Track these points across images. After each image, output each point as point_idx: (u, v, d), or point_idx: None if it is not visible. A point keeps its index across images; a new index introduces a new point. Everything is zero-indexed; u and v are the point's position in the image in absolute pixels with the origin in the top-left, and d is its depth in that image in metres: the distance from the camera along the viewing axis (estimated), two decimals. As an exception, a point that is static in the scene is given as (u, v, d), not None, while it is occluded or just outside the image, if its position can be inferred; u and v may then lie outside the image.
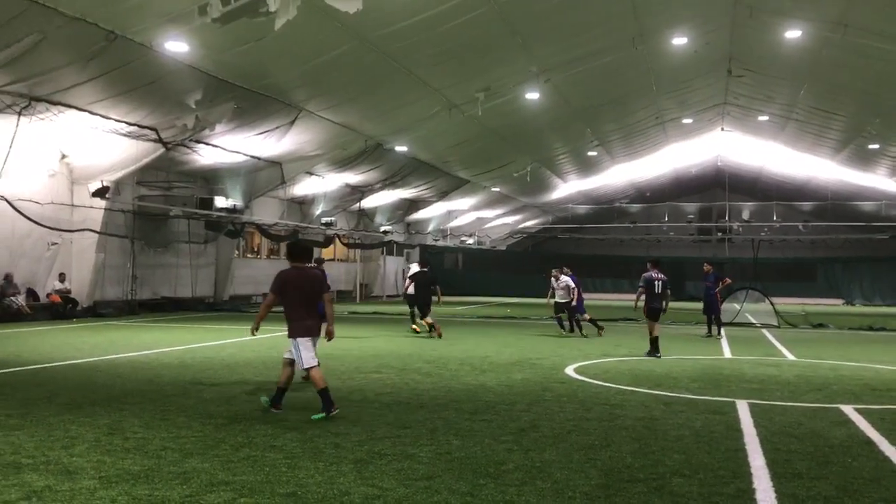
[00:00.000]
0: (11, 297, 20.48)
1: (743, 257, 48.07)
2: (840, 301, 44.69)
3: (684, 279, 46.40)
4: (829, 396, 10.17)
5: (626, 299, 45.61)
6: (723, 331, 20.03)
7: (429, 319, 18.28)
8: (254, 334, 9.17)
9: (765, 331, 21.57)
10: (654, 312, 14.63)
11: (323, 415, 8.03)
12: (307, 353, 8.29)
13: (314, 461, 6.29)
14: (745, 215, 55.39)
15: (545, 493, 5.52)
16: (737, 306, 25.20)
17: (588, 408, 9.01)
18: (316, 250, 25.42)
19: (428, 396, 9.60)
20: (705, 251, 52.92)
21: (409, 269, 23.47)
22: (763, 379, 11.80)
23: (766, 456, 6.75)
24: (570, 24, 20.77)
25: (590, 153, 39.02)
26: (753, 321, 24.54)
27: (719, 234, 55.72)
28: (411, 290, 19.54)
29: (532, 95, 25.73)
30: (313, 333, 8.48)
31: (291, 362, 8.48)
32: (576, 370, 12.44)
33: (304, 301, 8.41)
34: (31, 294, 21.54)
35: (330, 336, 8.61)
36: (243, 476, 5.82)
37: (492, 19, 18.87)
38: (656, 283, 14.67)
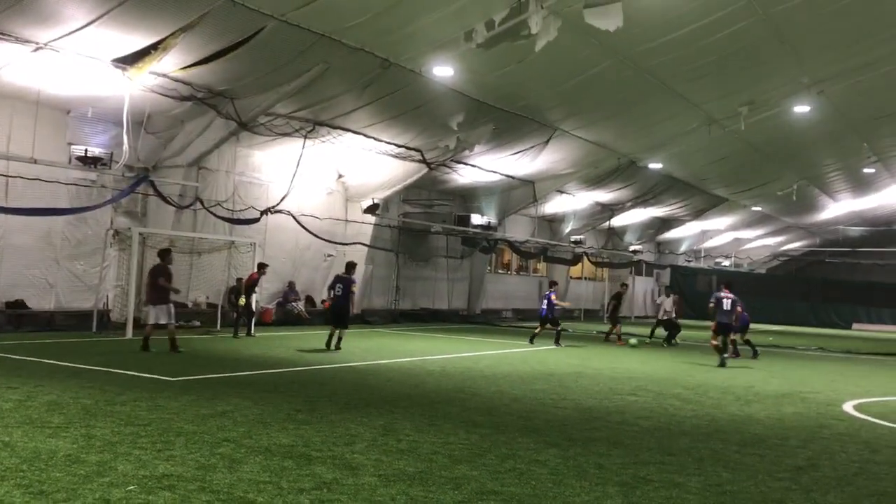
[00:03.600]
0: (293, 303, 22.67)
1: None
2: None
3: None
4: None
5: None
6: None
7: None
8: None
9: None
10: (721, 327, 16.96)
11: None
12: None
13: (579, 480, 6.28)
14: None
15: (834, 540, 5.09)
16: None
17: (875, 450, 8.17)
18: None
19: (690, 424, 9.24)
20: None
21: (661, 299, 24.30)
22: None
23: None
24: (847, 31, 19.10)
25: (866, 170, 35.52)
26: None
27: None
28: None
29: (801, 108, 23.97)
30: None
31: None
32: (855, 408, 11.35)
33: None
34: (309, 300, 23.69)
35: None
36: (511, 488, 5.95)
37: (759, 30, 17.86)
38: (724, 301, 16.92)
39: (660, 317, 23.43)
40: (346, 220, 23.80)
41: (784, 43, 19.02)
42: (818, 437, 8.77)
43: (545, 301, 20.43)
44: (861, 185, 39.12)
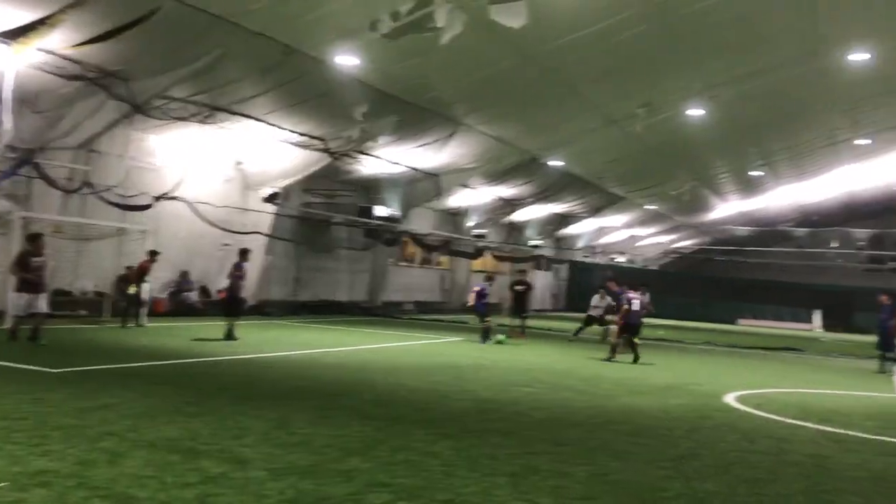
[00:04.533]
0: (186, 293, 22.00)
1: (922, 290, 44.32)
2: None
3: (853, 310, 43.34)
4: None
5: (788, 328, 43.24)
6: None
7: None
8: None
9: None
10: (629, 328, 16.65)
11: None
12: None
13: (470, 471, 6.34)
14: (925, 244, 51.01)
15: (710, 525, 5.31)
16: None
17: (752, 440, 8.58)
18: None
19: (583, 415, 9.47)
20: (876, 281, 49.21)
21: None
22: (949, 423, 10.82)
23: (958, 508, 6.19)
24: (740, 38, 19.95)
25: (753, 173, 37.31)
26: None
27: (893, 263, 51.64)
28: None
29: (696, 112, 24.94)
30: None
31: None
32: (736, 399, 11.89)
33: None
34: (204, 291, 23.04)
35: None
36: (402, 479, 5.95)
37: (658, 34, 18.44)
38: (634, 301, 16.79)
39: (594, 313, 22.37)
40: (245, 209, 23.24)
41: (680, 49, 19.71)
42: (701, 428, 9.14)
43: (477, 295, 19.70)
44: (748, 188, 41.04)
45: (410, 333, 20.85)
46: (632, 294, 17.10)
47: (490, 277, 21.60)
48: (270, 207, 23.55)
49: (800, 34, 20.15)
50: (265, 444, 6.81)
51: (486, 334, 19.08)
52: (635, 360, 16.30)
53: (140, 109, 17.11)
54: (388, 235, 28.96)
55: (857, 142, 33.55)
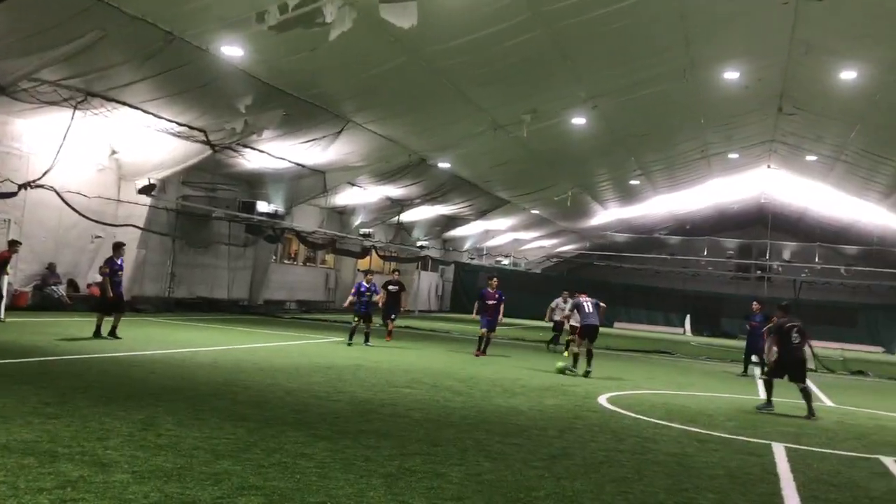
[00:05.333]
0: (53, 287, 20.84)
1: (781, 297, 47.20)
2: (880, 349, 43.68)
3: (721, 315, 45.70)
4: (869, 446, 9.91)
5: (661, 331, 45.17)
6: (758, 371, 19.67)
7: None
8: None
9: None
10: (588, 330, 15.99)
11: None
12: None
13: (344, 472, 6.27)
14: (787, 255, 54.47)
15: (577, 524, 5.44)
16: (775, 347, 24.72)
17: (621, 439, 8.89)
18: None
19: (458, 416, 9.55)
20: (743, 289, 52.19)
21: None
22: (800, 423, 11.56)
23: (803, 503, 6.59)
24: (622, 51, 20.70)
25: (632, 182, 38.78)
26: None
27: (759, 272, 54.88)
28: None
29: (578, 120, 25.69)
30: None
31: None
32: (608, 400, 12.30)
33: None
34: (72, 285, 21.89)
35: None
36: (274, 482, 5.82)
37: (545, 42, 18.87)
38: (585, 304, 16.26)
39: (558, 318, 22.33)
40: (118, 200, 22.26)
41: (564, 57, 20.23)
42: (573, 428, 9.39)
43: (363, 293, 18.79)
44: (627, 196, 42.60)
45: (291, 333, 20.49)
46: (584, 298, 16.57)
47: (370, 273, 21.23)
48: (146, 199, 22.64)
49: (677, 51, 21.08)
50: (130, 446, 6.52)
51: (365, 335, 18.66)
52: (586, 374, 15.49)
53: (4, 91, 16.09)
54: (270, 232, 28.39)
55: (729, 156, 35.47)
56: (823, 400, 15.40)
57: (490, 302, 18.55)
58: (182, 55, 16.44)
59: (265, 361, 13.51)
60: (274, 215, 27.14)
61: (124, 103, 18.37)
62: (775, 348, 12.92)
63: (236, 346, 15.88)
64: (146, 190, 22.29)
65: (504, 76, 20.90)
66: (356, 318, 18.78)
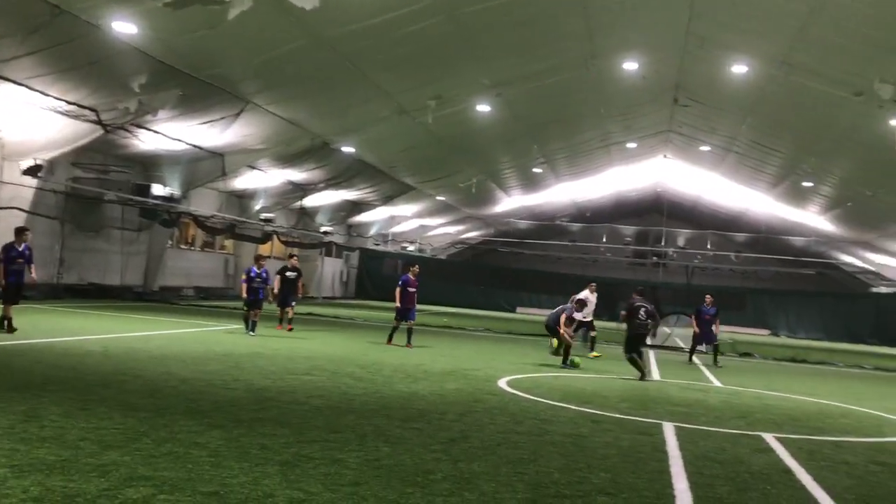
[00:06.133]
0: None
1: (676, 282, 49.13)
2: (766, 332, 45.97)
3: (619, 300, 47.04)
4: (752, 424, 10.40)
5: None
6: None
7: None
8: None
9: (693, 356, 21.98)
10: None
11: None
12: None
13: (239, 461, 6.14)
14: (681, 242, 56.64)
15: (472, 506, 5.50)
16: (667, 330, 25.70)
17: (518, 421, 9.03)
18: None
19: (359, 402, 9.50)
20: (640, 274, 53.96)
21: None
22: (690, 403, 12.03)
23: (689, 479, 6.86)
24: (525, 40, 20.95)
25: (535, 170, 39.41)
26: (683, 346, 25.02)
27: (654, 258, 56.88)
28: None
29: (483, 108, 25.89)
30: None
31: None
32: (508, 383, 12.49)
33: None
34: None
35: None
36: (165, 472, 5.65)
37: (448, 28, 18.91)
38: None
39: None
40: (1, 182, 21.07)
41: (470, 44, 20.33)
42: (473, 411, 9.48)
43: (253, 279, 17.80)
44: (531, 183, 43.28)
45: (188, 320, 19.92)
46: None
47: (261, 258, 19.39)
48: (32, 181, 21.52)
49: (579, 41, 21.51)
50: (9, 438, 6.20)
51: (252, 324, 17.29)
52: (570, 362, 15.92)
53: None
54: (166, 216, 27.47)
55: (627, 145, 36.48)
56: (713, 380, 16.08)
57: (412, 290, 17.83)
58: (70, 30, 15.63)
59: (159, 350, 13.09)
60: (170, 199, 26.24)
61: (7, 79, 17.34)
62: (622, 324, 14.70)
63: (129, 334, 15.32)
64: (32, 171, 21.17)
65: (409, 61, 20.85)
66: (245, 307, 17.68)
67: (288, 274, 19.57)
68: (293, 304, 19.61)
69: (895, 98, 18.44)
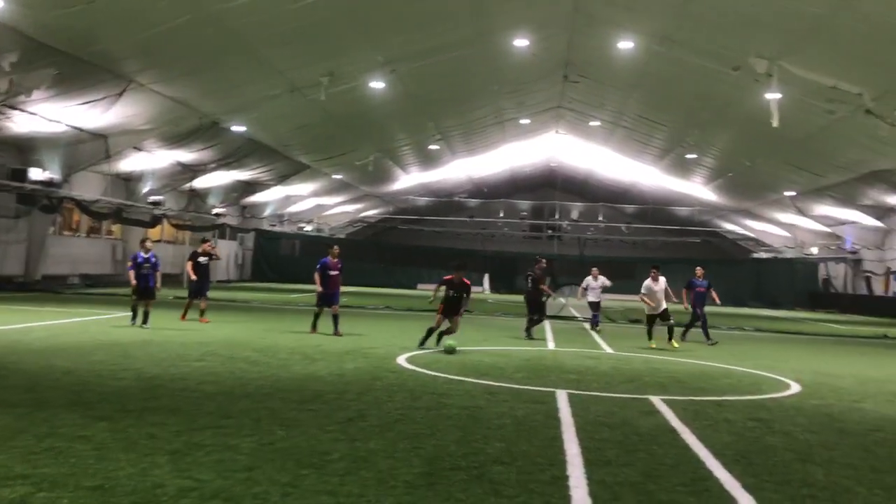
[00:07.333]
0: None
1: (570, 254, 50.41)
2: (655, 299, 47.74)
3: (516, 273, 47.91)
4: (640, 388, 10.82)
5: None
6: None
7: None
8: None
9: (586, 325, 22.65)
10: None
11: None
12: None
13: (126, 452, 5.94)
14: (574, 215, 58.16)
15: (368, 483, 5.51)
16: (562, 300, 26.38)
17: (416, 397, 9.09)
18: None
19: (254, 385, 9.34)
20: (536, 247, 55.05)
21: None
22: (582, 370, 12.40)
23: (580, 444, 7.07)
24: (416, 16, 20.89)
25: (431, 147, 39.50)
26: (577, 315, 25.77)
27: (549, 231, 58.17)
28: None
29: (377, 85, 25.70)
30: None
31: None
32: (407, 360, 12.54)
33: None
34: None
35: None
36: (45, 469, 5.41)
37: (339, 3, 18.64)
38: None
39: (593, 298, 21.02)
40: None
41: (360, 20, 20.11)
42: (371, 390, 9.48)
43: (140, 265, 16.05)
44: (428, 160, 43.38)
45: (73, 310, 19.07)
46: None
47: (147, 240, 17.47)
48: None
49: (470, 17, 21.57)
50: None
51: (144, 315, 15.80)
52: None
53: None
54: (46, 201, 26.14)
55: (521, 121, 37.00)
56: (604, 347, 16.62)
57: (333, 273, 16.55)
58: (-72, 3, 14.60)
59: (40, 342, 12.49)
60: (50, 183, 24.99)
61: None
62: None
63: (7, 327, 14.54)
64: None
65: (299, 37, 20.46)
66: (132, 295, 16.20)
67: (200, 260, 18.08)
68: (206, 293, 18.09)
69: (770, 72, 19.37)
